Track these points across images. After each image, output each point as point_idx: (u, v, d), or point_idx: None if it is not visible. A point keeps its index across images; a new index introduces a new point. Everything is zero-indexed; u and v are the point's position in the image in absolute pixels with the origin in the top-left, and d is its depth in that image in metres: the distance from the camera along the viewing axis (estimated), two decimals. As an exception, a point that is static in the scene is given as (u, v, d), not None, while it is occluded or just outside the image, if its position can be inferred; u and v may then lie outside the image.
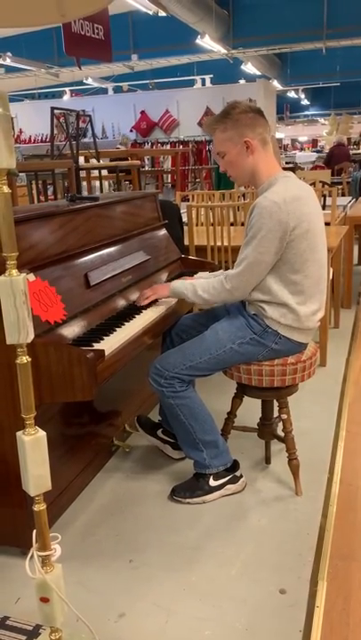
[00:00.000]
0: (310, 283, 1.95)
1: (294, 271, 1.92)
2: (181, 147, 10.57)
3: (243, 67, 10.80)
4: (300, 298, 1.95)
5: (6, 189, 1.13)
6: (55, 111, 4.57)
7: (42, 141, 11.82)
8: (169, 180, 10.75)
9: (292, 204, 1.86)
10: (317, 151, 16.31)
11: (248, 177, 2.02)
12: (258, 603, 1.65)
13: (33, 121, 12.02)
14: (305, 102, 17.64)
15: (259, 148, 1.96)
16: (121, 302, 2.16)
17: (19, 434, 1.23)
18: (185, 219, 3.53)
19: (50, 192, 5.52)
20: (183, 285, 2.10)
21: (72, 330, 1.81)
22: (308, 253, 1.91)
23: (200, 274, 2.69)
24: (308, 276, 1.93)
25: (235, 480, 2.15)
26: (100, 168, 5.37)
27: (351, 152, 14.50)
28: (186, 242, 3.45)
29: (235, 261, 2.00)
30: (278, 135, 16.57)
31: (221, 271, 2.38)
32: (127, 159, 6.96)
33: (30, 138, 12.39)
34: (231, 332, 2.01)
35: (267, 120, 2.01)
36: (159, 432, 2.44)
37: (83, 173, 5.62)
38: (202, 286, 2.04)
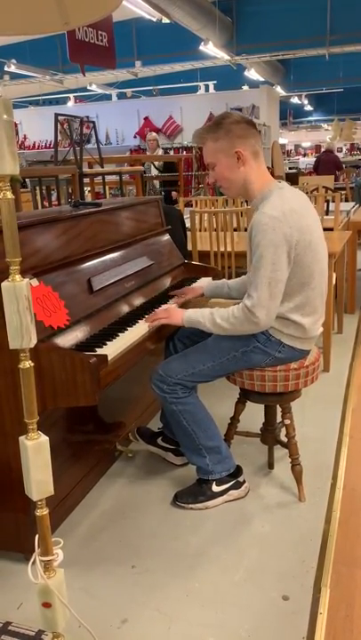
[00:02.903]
0: (315, 294, 1.94)
1: (302, 284, 1.89)
2: (185, 153, 10.60)
3: (246, 73, 10.83)
4: (305, 309, 1.93)
5: (10, 195, 1.14)
6: (59, 117, 4.58)
7: (46, 147, 11.88)
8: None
9: (292, 216, 1.81)
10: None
11: (240, 189, 1.96)
12: (261, 609, 1.64)
13: (37, 127, 12.09)
14: (308, 108, 17.66)
15: (250, 160, 1.91)
16: (124, 307, 2.17)
17: (21, 438, 1.23)
18: (188, 224, 3.54)
19: (53, 198, 5.54)
20: (201, 314, 1.98)
21: (75, 335, 1.82)
22: (313, 264, 1.89)
23: (203, 279, 2.70)
24: (314, 287, 1.92)
25: (238, 486, 2.14)
26: (104, 174, 5.38)
27: (356, 158, 14.54)
28: (189, 247, 3.46)
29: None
30: (282, 141, 16.59)
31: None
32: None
33: (34, 144, 12.46)
34: (234, 339, 1.99)
35: (258, 131, 1.95)
36: (159, 440, 2.44)
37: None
38: (221, 315, 1.93)
